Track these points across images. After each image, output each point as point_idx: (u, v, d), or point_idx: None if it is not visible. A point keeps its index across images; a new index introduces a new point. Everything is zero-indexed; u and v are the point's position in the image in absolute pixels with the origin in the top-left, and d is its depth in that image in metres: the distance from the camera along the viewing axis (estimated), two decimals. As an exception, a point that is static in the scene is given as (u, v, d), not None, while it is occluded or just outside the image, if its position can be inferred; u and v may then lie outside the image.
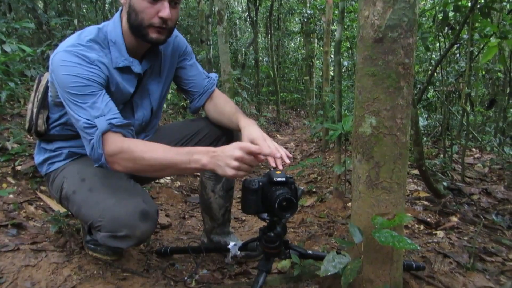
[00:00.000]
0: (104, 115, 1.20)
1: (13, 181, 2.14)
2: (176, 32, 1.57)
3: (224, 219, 1.79)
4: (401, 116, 1.17)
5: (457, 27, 2.93)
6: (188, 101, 1.71)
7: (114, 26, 1.35)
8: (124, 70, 1.36)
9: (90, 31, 1.33)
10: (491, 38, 2.93)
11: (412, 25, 1.12)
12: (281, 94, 10.30)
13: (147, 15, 1.25)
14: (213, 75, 1.67)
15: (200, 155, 1.17)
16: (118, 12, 1.38)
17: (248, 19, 9.40)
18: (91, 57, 1.25)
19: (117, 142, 1.20)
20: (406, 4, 1.10)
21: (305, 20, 8.10)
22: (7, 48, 3.58)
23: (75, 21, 5.53)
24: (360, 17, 1.18)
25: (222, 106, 1.60)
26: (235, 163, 1.14)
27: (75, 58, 1.23)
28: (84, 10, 8.03)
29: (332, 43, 5.55)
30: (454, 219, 2.09)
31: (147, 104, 1.51)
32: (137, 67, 1.38)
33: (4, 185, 2.09)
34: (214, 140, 1.62)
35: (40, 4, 7.55)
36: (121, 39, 1.34)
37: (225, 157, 1.15)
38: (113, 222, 1.26)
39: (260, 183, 1.32)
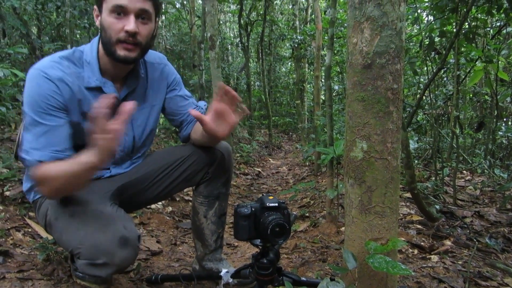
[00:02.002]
0: (40, 150, 1.20)
1: (1, 207, 2.10)
2: (166, 61, 1.58)
3: (216, 245, 1.76)
4: (392, 140, 1.18)
5: (443, 52, 3.01)
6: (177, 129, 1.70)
7: (91, 47, 1.35)
8: (97, 91, 1.34)
9: (66, 51, 1.34)
10: (476, 62, 3.02)
11: (400, 51, 1.15)
12: (273, 118, 10.39)
13: (114, 30, 1.25)
14: (202, 103, 1.67)
15: (90, 157, 1.14)
16: (98, 35, 1.38)
17: (240, 45, 9.55)
18: (53, 75, 1.24)
19: (37, 171, 1.20)
20: (393, 32, 1.13)
21: (296, 45, 8.27)
22: (-1, 72, 3.59)
23: (68, 46, 5.58)
24: (349, 44, 1.21)
25: (196, 127, 1.59)
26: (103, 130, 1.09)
27: (38, 78, 1.22)
28: (78, 36, 8.11)
29: (323, 68, 5.66)
30: (448, 242, 2.08)
31: (129, 130, 1.47)
32: (109, 89, 1.35)
33: (-9, 212, 2.04)
34: (205, 165, 1.61)
35: (34, 30, 7.63)
36: (95, 60, 1.33)
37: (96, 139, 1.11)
38: (92, 249, 1.22)
39: (253, 209, 1.31)
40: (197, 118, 1.34)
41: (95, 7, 1.31)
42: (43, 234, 1.94)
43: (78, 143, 1.31)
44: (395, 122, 1.18)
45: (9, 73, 3.62)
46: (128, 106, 1.10)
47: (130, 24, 1.23)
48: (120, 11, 1.23)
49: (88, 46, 1.36)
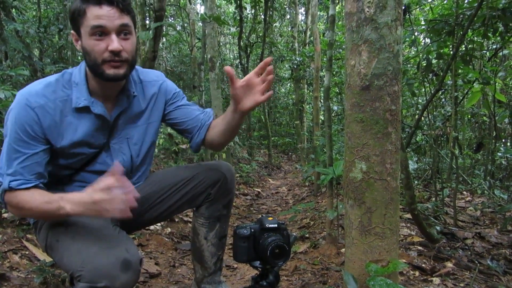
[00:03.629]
0: (13, 176, 1.21)
1: (-2, 229, 2.09)
2: (164, 78, 1.56)
3: (215, 267, 1.73)
4: (391, 161, 1.18)
5: (441, 74, 3.05)
6: (188, 141, 1.65)
7: (80, 69, 1.34)
8: (84, 111, 1.32)
9: (56, 74, 1.33)
10: (474, 84, 3.05)
11: (397, 73, 1.16)
12: (273, 138, 10.41)
13: (98, 53, 1.23)
14: (209, 109, 1.64)
15: (64, 203, 1.16)
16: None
17: (240, 66, 9.68)
18: (34, 102, 1.24)
19: (11, 199, 1.21)
20: (390, 54, 1.15)
21: (295, 66, 8.37)
22: (1, 94, 3.62)
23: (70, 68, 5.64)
24: (347, 66, 1.23)
25: (219, 119, 1.57)
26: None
27: (19, 104, 1.23)
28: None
29: (322, 89, 5.71)
30: (449, 264, 2.06)
31: (125, 149, 1.46)
32: (97, 108, 1.33)
33: (-11, 234, 2.03)
34: (208, 187, 1.59)
35: (36, 52, 7.74)
36: (84, 81, 1.32)
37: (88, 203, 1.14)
38: (93, 272, 1.20)
39: (252, 230, 1.30)
40: (229, 75, 1.32)
41: (72, 32, 1.28)
42: (41, 256, 1.92)
43: (57, 162, 1.33)
44: (394, 143, 1.18)
45: (10, 95, 3.65)
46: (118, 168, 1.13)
47: (113, 43, 1.22)
48: (100, 32, 1.21)
49: (77, 68, 1.36)
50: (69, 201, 1.13)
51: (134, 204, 1.13)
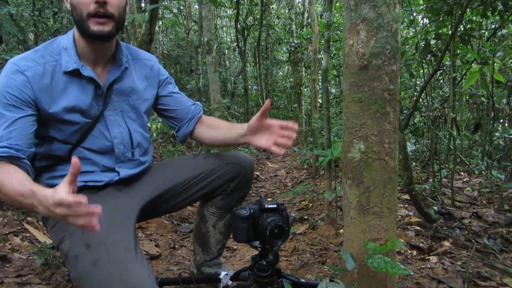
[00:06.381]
0: None
1: (-2, 213, 2.10)
2: (156, 60, 1.53)
3: (218, 253, 1.73)
4: (389, 140, 1.19)
5: (439, 54, 3.02)
6: (174, 130, 1.62)
7: (68, 35, 1.31)
8: (74, 75, 1.27)
9: (45, 42, 1.31)
10: (472, 64, 3.03)
11: (395, 52, 1.16)
12: (271, 122, 10.38)
13: (83, 5, 1.19)
14: (199, 103, 1.63)
15: (36, 202, 0.98)
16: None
17: (237, 49, 9.58)
18: (23, 66, 1.21)
19: None
20: (388, 33, 1.14)
21: (293, 49, 8.30)
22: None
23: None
24: (345, 46, 1.22)
25: (216, 123, 1.57)
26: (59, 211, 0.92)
27: (8, 69, 1.21)
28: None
29: (319, 71, 5.68)
30: (447, 243, 2.08)
31: (121, 122, 1.39)
32: (87, 71, 1.28)
33: (-11, 217, 2.04)
34: (230, 179, 1.56)
35: (31, 36, 7.64)
36: (72, 45, 1.28)
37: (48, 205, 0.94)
38: None
39: (251, 210, 1.31)
40: (265, 107, 1.33)
41: None
42: (41, 238, 1.94)
43: (52, 135, 1.28)
44: (392, 123, 1.18)
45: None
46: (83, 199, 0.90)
47: None
48: None
49: (65, 35, 1.32)
50: (40, 202, 0.96)
51: (96, 226, 0.93)
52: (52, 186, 1.15)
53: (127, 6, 1.32)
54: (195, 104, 1.61)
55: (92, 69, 1.30)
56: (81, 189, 1.31)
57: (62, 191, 0.89)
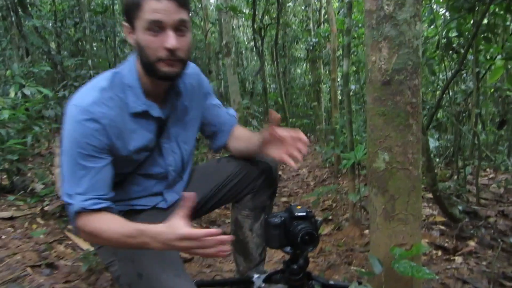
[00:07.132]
0: (84, 195, 1.13)
1: (42, 222, 2.25)
2: (199, 70, 1.50)
3: (260, 258, 1.69)
4: (412, 151, 1.25)
5: (461, 51, 3.01)
6: (208, 140, 1.61)
7: (130, 69, 1.25)
8: (142, 116, 1.26)
9: (105, 77, 1.24)
10: (497, 58, 3.00)
11: (417, 67, 1.21)
12: (290, 120, 10.43)
13: (153, 49, 1.15)
14: (231, 109, 1.61)
15: (149, 239, 1.06)
16: (134, 55, 1.27)
17: (254, 48, 9.64)
18: (96, 113, 1.15)
19: (86, 222, 1.14)
20: (409, 50, 1.19)
21: (311, 47, 8.30)
22: (26, 91, 3.76)
23: (89, 61, 5.70)
24: (368, 62, 1.28)
25: (240, 133, 1.57)
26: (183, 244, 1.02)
27: (80, 117, 1.14)
28: (95, 48, 8.27)
29: (339, 70, 5.69)
30: (472, 243, 2.11)
31: (176, 149, 1.41)
32: (155, 111, 1.27)
33: (34, 226, 2.19)
34: (256, 177, 1.56)
35: (53, 45, 7.90)
36: (137, 82, 1.24)
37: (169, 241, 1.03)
38: None
39: (282, 218, 1.38)
40: (275, 120, 1.30)
41: (125, 24, 1.20)
42: (83, 245, 2.07)
43: (121, 178, 1.30)
44: (415, 134, 1.24)
45: (35, 91, 3.79)
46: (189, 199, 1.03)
47: (170, 40, 1.13)
48: (157, 27, 1.12)
49: (126, 68, 1.26)
50: (154, 239, 1.03)
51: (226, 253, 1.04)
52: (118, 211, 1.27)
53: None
54: (229, 113, 1.59)
55: (157, 105, 1.29)
56: (125, 213, 1.33)
57: (183, 226, 0.99)
